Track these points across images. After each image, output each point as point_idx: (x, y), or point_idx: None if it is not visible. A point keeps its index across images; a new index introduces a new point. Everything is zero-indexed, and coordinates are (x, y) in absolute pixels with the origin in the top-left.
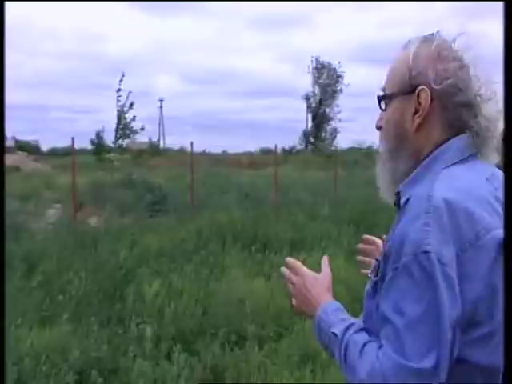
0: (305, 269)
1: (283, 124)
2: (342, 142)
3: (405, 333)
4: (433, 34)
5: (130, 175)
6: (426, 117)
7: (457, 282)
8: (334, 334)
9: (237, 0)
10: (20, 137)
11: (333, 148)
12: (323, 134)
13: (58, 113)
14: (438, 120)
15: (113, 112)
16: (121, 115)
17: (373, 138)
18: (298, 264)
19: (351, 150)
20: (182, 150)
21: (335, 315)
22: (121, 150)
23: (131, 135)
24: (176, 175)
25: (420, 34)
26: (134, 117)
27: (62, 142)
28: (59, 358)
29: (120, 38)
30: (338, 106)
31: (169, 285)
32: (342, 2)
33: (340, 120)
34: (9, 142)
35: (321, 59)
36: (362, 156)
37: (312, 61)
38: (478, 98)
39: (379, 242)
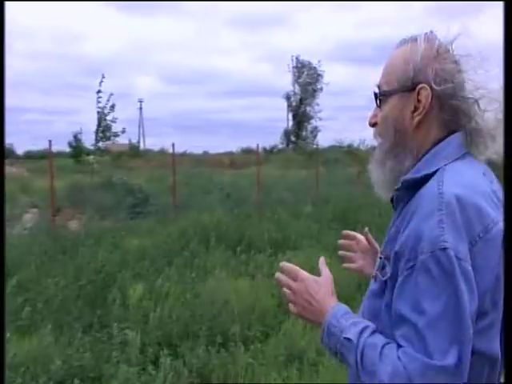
0: (304, 273)
1: (264, 123)
2: (323, 140)
3: (426, 331)
4: (428, 33)
5: (110, 177)
6: (425, 115)
7: (473, 275)
8: (348, 339)
9: (215, 0)
10: None
11: (314, 146)
12: (304, 133)
13: (32, 115)
14: (436, 118)
15: (91, 114)
16: (101, 117)
17: (353, 136)
18: (295, 268)
19: (332, 148)
20: (162, 152)
21: (345, 319)
22: (100, 152)
23: (112, 137)
24: (157, 177)
25: (413, 33)
26: (116, 119)
27: (38, 145)
28: (40, 369)
29: (96, 39)
30: (318, 104)
31: (152, 288)
32: (320, 1)
33: (320, 119)
34: None
35: (301, 58)
36: (343, 154)
37: (292, 60)
38: (472, 100)
39: (360, 236)
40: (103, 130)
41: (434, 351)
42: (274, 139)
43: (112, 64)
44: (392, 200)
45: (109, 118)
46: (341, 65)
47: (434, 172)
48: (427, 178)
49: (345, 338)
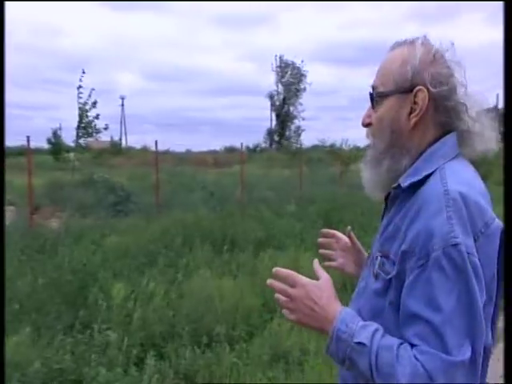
0: (303, 278)
1: (247, 122)
2: (306, 140)
3: (443, 328)
4: (423, 38)
5: (91, 175)
6: (421, 116)
7: (481, 269)
8: (360, 343)
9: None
10: None
11: (298, 146)
12: (287, 133)
13: (9, 109)
14: (431, 119)
15: (71, 110)
16: (83, 113)
17: (335, 136)
18: (292, 274)
19: (315, 148)
20: (144, 149)
21: (354, 323)
22: (81, 149)
23: (94, 134)
24: (139, 175)
25: (406, 37)
26: (98, 115)
27: (15, 141)
28: (18, 373)
29: (76, 33)
30: (301, 104)
31: (135, 288)
32: (304, 2)
33: (304, 119)
34: None
35: (284, 58)
36: (325, 154)
37: (276, 59)
38: (463, 103)
39: (339, 234)
40: (85, 126)
41: (452, 347)
42: (258, 138)
43: (93, 59)
44: (386, 198)
45: (90, 114)
46: (324, 65)
47: (433, 171)
48: (427, 176)
49: (356, 342)
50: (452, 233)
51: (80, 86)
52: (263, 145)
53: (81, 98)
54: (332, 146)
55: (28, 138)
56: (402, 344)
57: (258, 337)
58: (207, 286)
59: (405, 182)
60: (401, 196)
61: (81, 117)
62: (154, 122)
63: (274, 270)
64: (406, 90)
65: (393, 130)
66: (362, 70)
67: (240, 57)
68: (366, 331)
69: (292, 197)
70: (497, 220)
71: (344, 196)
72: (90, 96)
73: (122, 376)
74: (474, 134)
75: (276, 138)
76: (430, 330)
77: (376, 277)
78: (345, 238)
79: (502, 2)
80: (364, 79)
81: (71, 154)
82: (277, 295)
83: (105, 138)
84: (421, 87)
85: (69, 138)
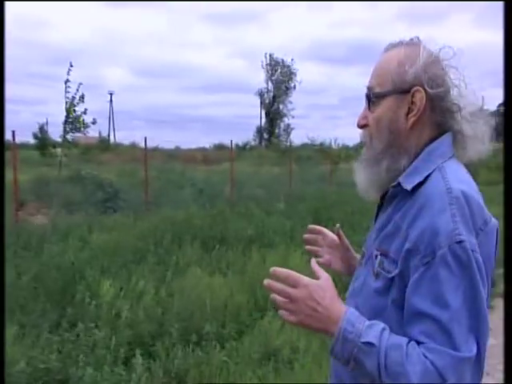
0: (305, 278)
1: (237, 120)
2: (295, 138)
3: (451, 325)
4: (417, 39)
5: (79, 171)
6: (419, 116)
7: (484, 266)
8: (368, 343)
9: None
10: None
11: (287, 144)
12: (277, 130)
13: None
14: (428, 120)
15: (58, 104)
16: (70, 108)
17: (325, 135)
18: (293, 274)
19: (304, 146)
20: (133, 146)
21: (361, 323)
22: (68, 144)
23: (82, 129)
24: (128, 171)
25: (402, 38)
26: (86, 110)
27: None
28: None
29: (63, 26)
30: (291, 102)
31: (123, 285)
32: (295, 1)
33: (293, 117)
34: None
35: (274, 56)
36: (315, 152)
37: (266, 57)
38: (457, 105)
39: (326, 231)
40: (72, 121)
41: (460, 344)
42: (247, 136)
43: (81, 54)
44: (383, 196)
45: (78, 108)
46: (314, 64)
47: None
48: (427, 175)
49: (363, 342)
50: (457, 230)
51: (68, 80)
52: (253, 142)
53: (68, 92)
54: (321, 144)
55: (13, 132)
56: (409, 342)
57: (248, 335)
58: (197, 283)
59: (406, 181)
60: (399, 195)
61: (68, 111)
62: (143, 119)
63: (272, 269)
64: (404, 90)
65: (391, 130)
66: (352, 69)
67: (231, 54)
68: (373, 331)
69: (281, 195)
70: (493, 218)
71: (333, 194)
72: (77, 90)
73: (109, 375)
74: (467, 138)
75: (265, 135)
76: (437, 328)
77: (377, 276)
78: (332, 235)
79: (489, 3)
80: (354, 78)
81: (58, 150)
82: (273, 296)
83: (93, 133)
84: (418, 88)
85: (56, 133)
